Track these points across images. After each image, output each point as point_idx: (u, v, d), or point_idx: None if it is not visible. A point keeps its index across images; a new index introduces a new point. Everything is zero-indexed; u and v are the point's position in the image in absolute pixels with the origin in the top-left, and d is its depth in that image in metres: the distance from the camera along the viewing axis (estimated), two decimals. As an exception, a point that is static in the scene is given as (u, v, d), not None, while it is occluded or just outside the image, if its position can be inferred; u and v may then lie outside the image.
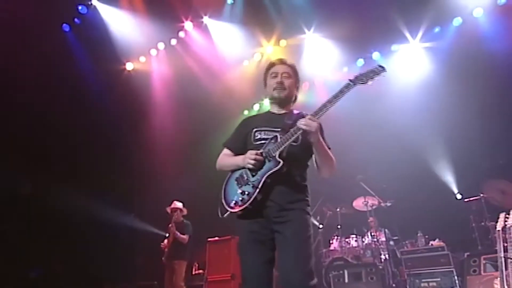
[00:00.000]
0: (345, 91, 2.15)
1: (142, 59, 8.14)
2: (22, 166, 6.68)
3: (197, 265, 7.03)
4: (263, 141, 2.31)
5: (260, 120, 2.52)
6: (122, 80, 7.92)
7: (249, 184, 2.20)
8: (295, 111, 2.47)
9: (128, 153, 7.88)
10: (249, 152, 2.28)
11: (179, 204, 6.19)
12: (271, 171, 2.17)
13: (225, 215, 2.24)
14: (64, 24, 7.45)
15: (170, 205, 6.21)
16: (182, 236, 5.85)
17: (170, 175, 7.87)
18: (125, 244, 7.64)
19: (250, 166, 2.22)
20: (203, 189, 7.29)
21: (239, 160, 2.33)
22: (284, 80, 2.47)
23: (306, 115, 2.23)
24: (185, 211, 6.18)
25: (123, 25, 7.36)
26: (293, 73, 2.52)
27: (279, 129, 2.30)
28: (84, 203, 6.96)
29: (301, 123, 2.15)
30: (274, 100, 2.50)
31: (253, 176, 2.21)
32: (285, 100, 2.49)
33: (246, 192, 2.18)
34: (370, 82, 2.16)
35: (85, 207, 6.98)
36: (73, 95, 7.15)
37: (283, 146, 2.20)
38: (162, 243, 6.12)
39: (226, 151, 2.54)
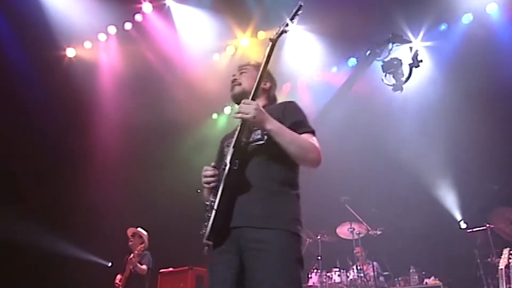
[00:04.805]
0: (271, 54, 2.23)
1: (88, 44, 7.77)
2: None
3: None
4: None
5: (231, 132, 2.49)
6: (61, 69, 7.57)
7: (212, 206, 2.14)
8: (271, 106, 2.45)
9: (69, 162, 7.58)
10: None
11: (144, 233, 6.03)
12: (223, 181, 2.10)
13: (205, 250, 2.20)
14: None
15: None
16: (141, 267, 5.68)
17: (120, 192, 7.67)
18: (67, 275, 7.44)
19: (207, 185, 2.23)
20: (161, 210, 7.25)
21: None
22: (239, 75, 2.50)
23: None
24: (147, 244, 5.96)
25: (63, 1, 6.98)
26: (255, 68, 2.49)
27: None
28: (18, 226, 6.82)
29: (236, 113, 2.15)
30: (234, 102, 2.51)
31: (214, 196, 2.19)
32: (240, 96, 2.42)
33: (208, 215, 2.13)
34: (287, 28, 2.27)
35: (19, 232, 6.83)
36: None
37: (231, 149, 2.16)
38: (116, 281, 5.88)
39: None
